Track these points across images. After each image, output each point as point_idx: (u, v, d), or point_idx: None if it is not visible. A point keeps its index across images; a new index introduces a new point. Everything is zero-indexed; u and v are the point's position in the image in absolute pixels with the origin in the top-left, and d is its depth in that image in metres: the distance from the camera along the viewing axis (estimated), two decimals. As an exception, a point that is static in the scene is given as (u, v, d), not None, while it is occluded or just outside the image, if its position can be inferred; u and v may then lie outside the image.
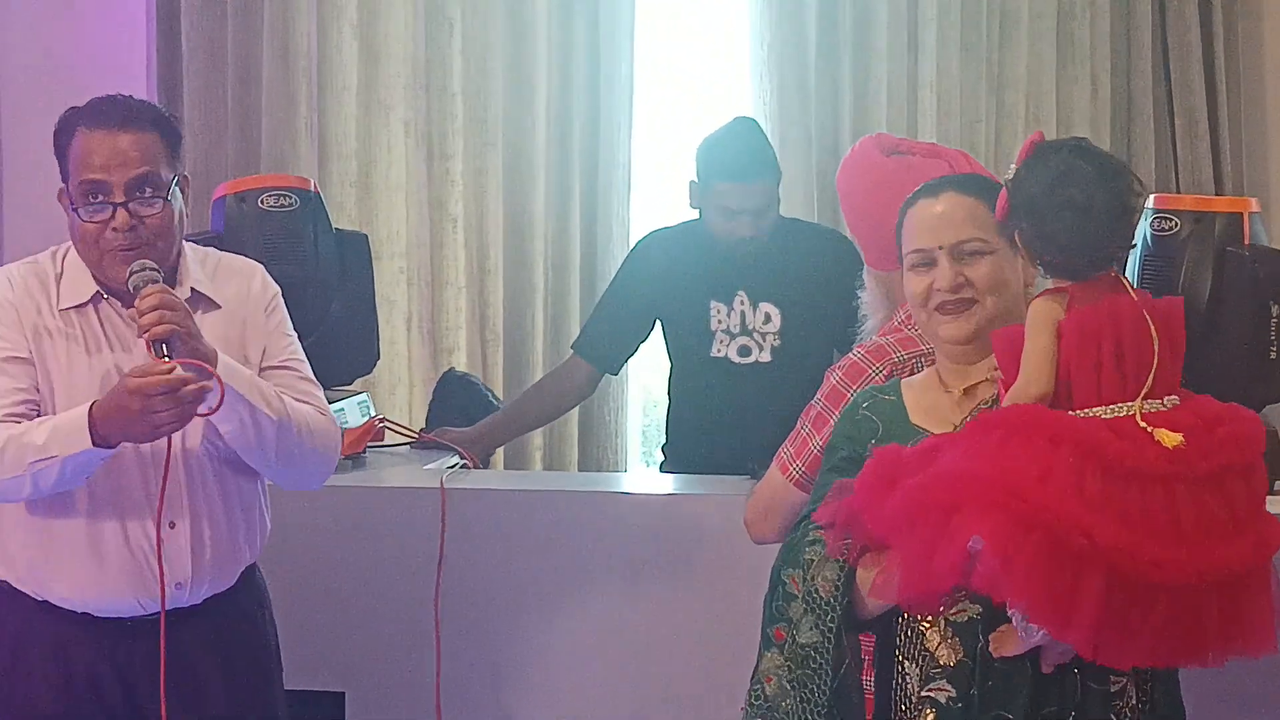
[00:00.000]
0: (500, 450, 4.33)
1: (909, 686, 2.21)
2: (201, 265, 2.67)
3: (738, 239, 3.67)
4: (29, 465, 2.43)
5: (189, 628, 2.60)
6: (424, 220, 4.63)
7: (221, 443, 2.57)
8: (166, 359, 2.39)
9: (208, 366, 2.42)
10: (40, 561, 2.58)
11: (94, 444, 2.41)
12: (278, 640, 2.79)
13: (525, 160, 4.74)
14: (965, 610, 2.16)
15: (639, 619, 3.26)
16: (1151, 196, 3.15)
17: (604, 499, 3.40)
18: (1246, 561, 2.04)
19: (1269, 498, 2.15)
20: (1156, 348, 2.09)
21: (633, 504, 3.37)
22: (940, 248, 2.27)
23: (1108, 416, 2.08)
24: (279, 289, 2.75)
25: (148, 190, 2.52)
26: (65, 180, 2.56)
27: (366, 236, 3.80)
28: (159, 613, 2.53)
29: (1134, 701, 2.18)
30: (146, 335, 2.40)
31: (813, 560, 2.23)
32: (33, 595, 2.60)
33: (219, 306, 2.64)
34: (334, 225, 3.64)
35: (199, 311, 2.58)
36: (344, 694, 3.28)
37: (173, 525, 2.57)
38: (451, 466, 3.57)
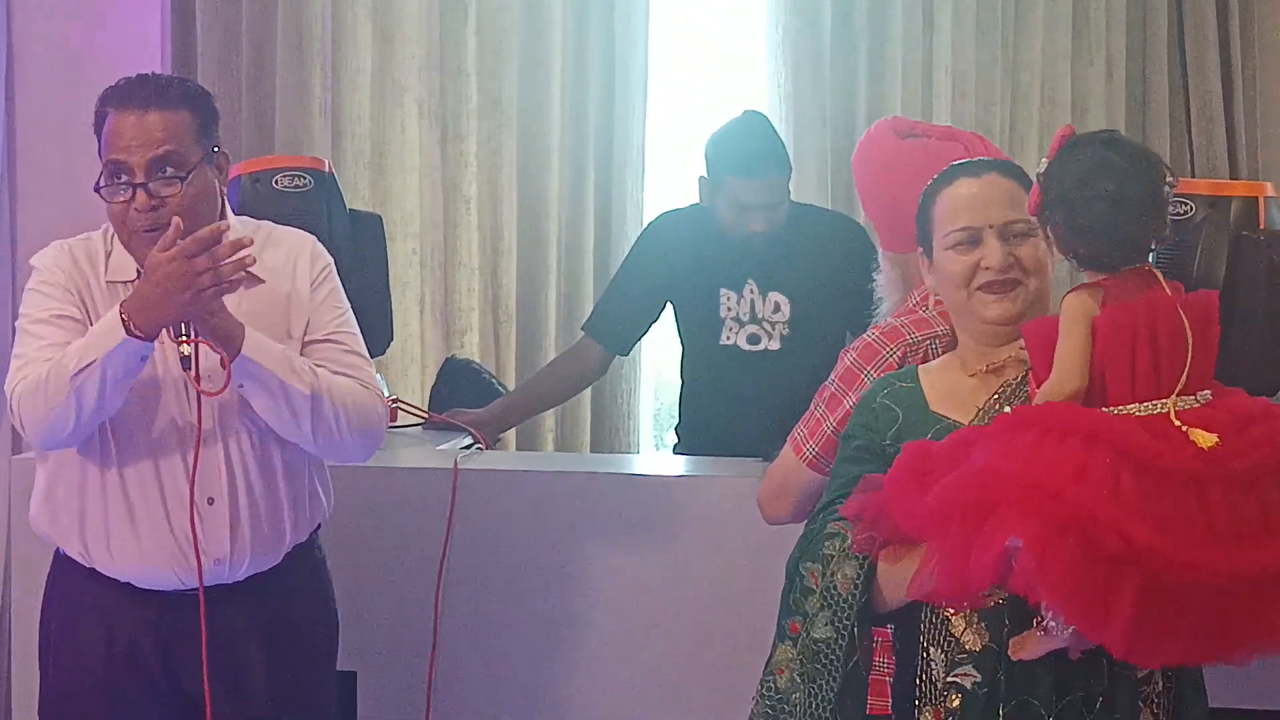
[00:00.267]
0: (512, 432, 4.33)
1: (934, 672, 2.21)
2: None
3: (750, 233, 3.66)
4: (70, 381, 2.42)
5: (231, 604, 2.61)
6: (437, 201, 4.62)
7: (262, 420, 2.58)
8: (184, 339, 2.41)
9: (220, 351, 2.43)
10: (86, 531, 2.61)
11: (129, 334, 2.41)
12: (337, 623, 2.80)
13: (539, 141, 4.73)
14: (991, 595, 2.14)
15: (650, 600, 3.26)
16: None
17: (616, 480, 3.40)
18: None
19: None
20: (1191, 344, 2.08)
21: (645, 485, 3.37)
22: (990, 226, 2.26)
23: (1142, 414, 2.07)
24: (331, 260, 2.75)
25: (169, 170, 2.52)
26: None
27: (381, 218, 3.79)
28: (198, 588, 2.54)
29: (1160, 688, 2.18)
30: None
31: (832, 556, 2.23)
32: (81, 561, 2.63)
33: (262, 281, 2.64)
34: (348, 206, 3.64)
35: (240, 288, 2.57)
36: (355, 673, 3.28)
37: (211, 501, 2.58)
38: (465, 448, 3.57)
